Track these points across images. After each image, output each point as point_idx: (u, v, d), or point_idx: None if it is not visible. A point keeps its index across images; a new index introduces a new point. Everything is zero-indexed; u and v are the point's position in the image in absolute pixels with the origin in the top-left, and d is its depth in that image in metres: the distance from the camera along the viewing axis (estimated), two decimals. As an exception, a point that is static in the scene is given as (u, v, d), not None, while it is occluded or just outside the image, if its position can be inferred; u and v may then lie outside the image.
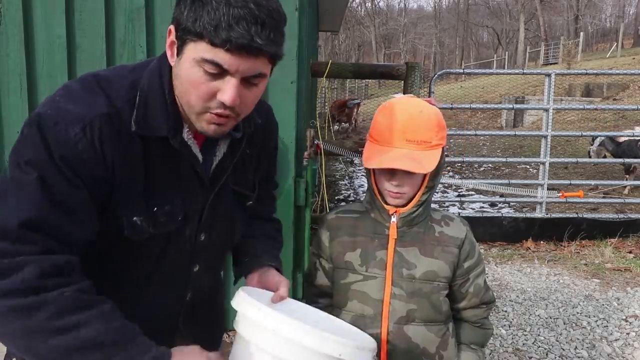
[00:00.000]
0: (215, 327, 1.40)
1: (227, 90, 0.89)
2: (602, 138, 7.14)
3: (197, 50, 0.87)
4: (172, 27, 0.93)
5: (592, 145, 7.47)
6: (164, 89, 0.97)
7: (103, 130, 0.90)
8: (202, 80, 0.89)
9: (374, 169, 1.24)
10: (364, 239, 1.29)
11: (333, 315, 1.28)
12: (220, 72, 0.88)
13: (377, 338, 1.22)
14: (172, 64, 0.96)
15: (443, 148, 1.24)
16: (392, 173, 1.21)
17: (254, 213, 1.30)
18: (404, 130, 1.17)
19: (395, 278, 1.25)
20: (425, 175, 1.23)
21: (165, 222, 1.02)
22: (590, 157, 7.57)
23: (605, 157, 7.54)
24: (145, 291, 1.11)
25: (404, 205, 1.25)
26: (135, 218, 0.98)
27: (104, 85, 0.96)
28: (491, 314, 3.41)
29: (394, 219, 1.26)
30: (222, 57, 0.86)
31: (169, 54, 0.95)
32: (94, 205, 0.92)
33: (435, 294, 1.26)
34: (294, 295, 2.89)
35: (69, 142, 0.87)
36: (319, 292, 1.40)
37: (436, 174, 1.24)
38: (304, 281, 1.91)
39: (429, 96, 4.95)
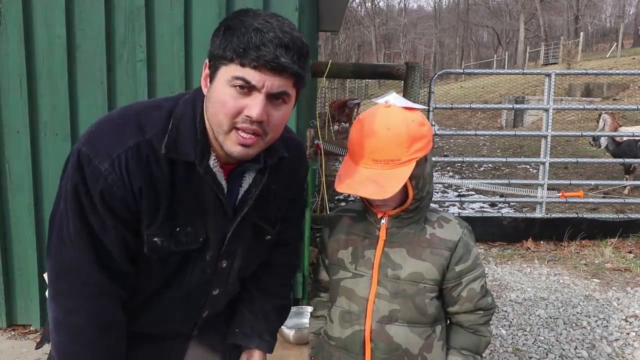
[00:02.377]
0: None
1: (254, 105, 0.96)
2: (607, 138, 7.12)
3: (228, 71, 0.96)
4: (206, 61, 1.02)
5: (594, 141, 7.40)
6: (195, 117, 1.04)
7: (129, 162, 0.99)
8: (231, 99, 0.96)
9: None
10: (356, 238, 1.30)
11: (325, 308, 1.33)
12: (247, 89, 0.95)
13: (360, 335, 1.27)
14: (205, 93, 1.03)
15: (426, 157, 1.20)
16: None
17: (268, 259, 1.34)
18: (371, 150, 1.15)
19: (380, 278, 1.26)
20: (407, 185, 1.19)
21: (186, 241, 1.09)
22: (596, 143, 7.40)
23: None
24: (160, 303, 1.16)
25: (393, 208, 1.25)
26: (156, 239, 1.05)
27: (140, 117, 1.04)
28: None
29: (383, 221, 1.26)
30: (249, 73, 0.94)
31: (203, 85, 1.04)
32: (128, 230, 1.03)
33: (421, 295, 1.25)
34: (293, 294, 2.89)
35: (100, 176, 0.98)
36: (321, 287, 1.44)
37: (423, 186, 1.21)
38: (311, 275, 1.92)
39: (429, 96, 4.95)
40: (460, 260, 1.26)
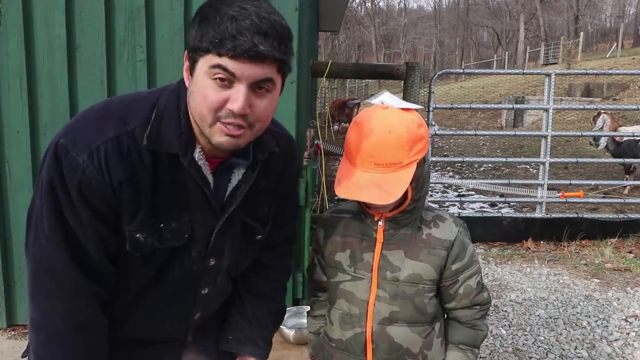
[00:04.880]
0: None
1: (236, 97, 0.92)
2: (607, 138, 7.12)
3: (206, 62, 0.91)
4: (186, 53, 0.98)
5: (595, 140, 7.39)
6: (179, 107, 1.00)
7: (109, 154, 0.95)
8: (212, 91, 0.92)
9: None
10: (354, 240, 1.29)
11: (322, 307, 1.32)
12: (228, 80, 0.91)
13: (362, 337, 1.27)
14: (187, 86, 0.99)
15: (425, 157, 1.19)
16: None
17: (260, 259, 1.29)
18: (372, 154, 1.12)
19: (379, 280, 1.26)
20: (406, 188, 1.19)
21: (170, 238, 1.04)
22: (596, 143, 7.38)
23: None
24: (147, 303, 1.12)
25: (390, 210, 1.25)
26: (138, 235, 1.01)
27: (122, 109, 1.00)
28: (491, 314, 3.41)
29: (380, 223, 1.26)
30: (228, 63, 0.89)
31: (185, 77, 1.00)
32: (105, 226, 0.99)
33: (420, 296, 1.26)
34: (293, 294, 2.89)
35: (77, 168, 0.94)
36: (318, 287, 1.43)
37: (421, 186, 1.21)
38: (307, 275, 1.92)
39: (429, 96, 4.94)
40: (456, 259, 1.27)
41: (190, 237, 1.06)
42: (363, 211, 1.28)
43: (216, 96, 0.92)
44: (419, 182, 1.20)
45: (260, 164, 1.10)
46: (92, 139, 0.95)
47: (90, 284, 0.99)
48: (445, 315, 1.38)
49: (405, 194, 1.20)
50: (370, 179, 1.13)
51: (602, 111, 7.06)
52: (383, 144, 1.12)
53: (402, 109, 1.17)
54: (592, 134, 6.85)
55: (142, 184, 0.98)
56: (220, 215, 1.09)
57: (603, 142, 7.12)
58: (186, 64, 0.98)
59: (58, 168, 0.95)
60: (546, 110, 5.20)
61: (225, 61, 0.89)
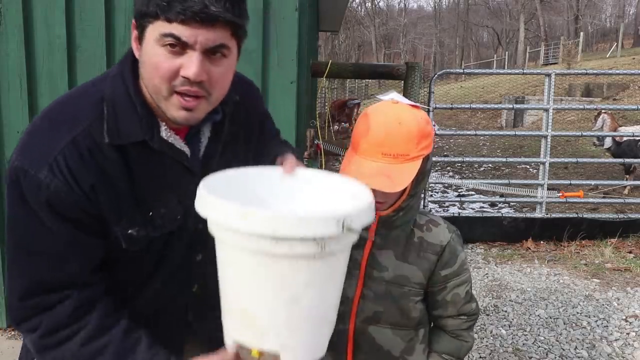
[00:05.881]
0: None
1: (189, 64, 0.87)
2: (610, 139, 7.11)
3: (155, 29, 0.86)
4: (133, 21, 0.92)
5: (599, 140, 7.36)
6: (129, 90, 0.94)
7: (70, 162, 0.89)
8: (163, 59, 0.87)
9: None
10: None
11: None
12: (180, 47, 0.86)
13: (344, 334, 1.27)
14: (137, 57, 0.93)
15: (428, 155, 1.19)
16: None
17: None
18: (381, 143, 1.13)
19: (366, 279, 1.25)
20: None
21: (163, 223, 1.01)
22: (600, 142, 7.35)
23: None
24: (150, 287, 1.09)
25: (386, 209, 1.24)
26: (130, 231, 0.97)
27: (68, 110, 0.94)
28: (491, 314, 3.41)
29: (373, 222, 1.26)
30: (178, 29, 0.84)
31: (134, 48, 0.94)
32: (87, 234, 0.93)
33: (405, 299, 1.25)
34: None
35: (41, 186, 0.88)
36: None
37: (420, 181, 1.21)
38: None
39: (429, 96, 4.94)
40: (446, 265, 1.26)
41: (184, 214, 1.02)
42: None
43: (168, 64, 0.87)
44: (419, 178, 1.19)
45: (228, 117, 1.07)
46: (47, 152, 0.89)
47: (86, 295, 0.95)
48: (432, 324, 1.36)
49: (403, 189, 1.19)
50: (377, 168, 1.12)
51: (603, 111, 7.04)
52: (393, 134, 1.12)
53: (411, 105, 1.19)
54: (592, 134, 6.85)
55: (115, 181, 0.93)
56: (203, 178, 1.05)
57: (608, 141, 7.09)
58: (134, 32, 0.92)
59: (19, 192, 0.89)
60: (546, 110, 5.20)
61: (176, 28, 0.84)
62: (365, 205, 0.87)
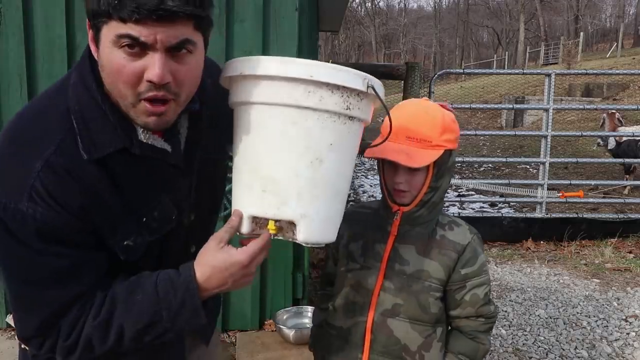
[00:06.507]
0: (211, 310, 1.32)
1: (152, 66, 0.80)
2: (614, 139, 7.10)
3: (110, 30, 0.79)
4: (87, 21, 0.85)
5: (602, 141, 7.34)
6: (95, 98, 0.87)
7: (49, 185, 0.83)
8: (124, 62, 0.80)
9: (383, 166, 1.29)
10: (369, 232, 1.34)
11: (330, 301, 1.36)
12: (139, 48, 0.79)
13: (362, 326, 1.30)
14: (96, 58, 0.86)
15: (451, 152, 1.25)
16: (395, 170, 1.24)
17: None
18: (406, 127, 1.20)
19: (387, 272, 1.29)
20: (428, 175, 1.24)
21: (160, 226, 0.98)
22: (604, 143, 7.32)
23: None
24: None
25: (408, 205, 1.28)
26: (126, 242, 0.93)
27: (32, 128, 0.87)
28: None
29: (396, 217, 1.29)
30: (135, 29, 0.77)
31: (92, 50, 0.86)
32: (88, 250, 0.90)
33: (425, 293, 1.27)
34: (293, 295, 2.89)
35: (25, 217, 0.82)
36: (329, 281, 1.46)
37: (440, 175, 1.25)
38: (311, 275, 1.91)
39: (429, 96, 4.95)
40: (466, 264, 1.29)
41: (178, 213, 1.00)
42: (384, 202, 1.31)
43: (130, 68, 0.80)
44: (440, 171, 1.24)
45: (205, 104, 1.02)
46: (21, 179, 0.83)
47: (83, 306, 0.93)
48: (449, 327, 1.38)
49: (425, 182, 1.25)
50: (399, 148, 1.20)
51: (611, 111, 7.00)
52: (418, 119, 1.22)
53: (441, 105, 1.29)
54: (592, 134, 6.84)
55: (102, 194, 0.88)
56: (190, 171, 1.01)
57: (612, 141, 7.08)
58: (90, 32, 0.85)
59: (4, 228, 0.83)
60: (546, 110, 5.20)
61: (132, 28, 0.77)
62: (379, 81, 0.96)
